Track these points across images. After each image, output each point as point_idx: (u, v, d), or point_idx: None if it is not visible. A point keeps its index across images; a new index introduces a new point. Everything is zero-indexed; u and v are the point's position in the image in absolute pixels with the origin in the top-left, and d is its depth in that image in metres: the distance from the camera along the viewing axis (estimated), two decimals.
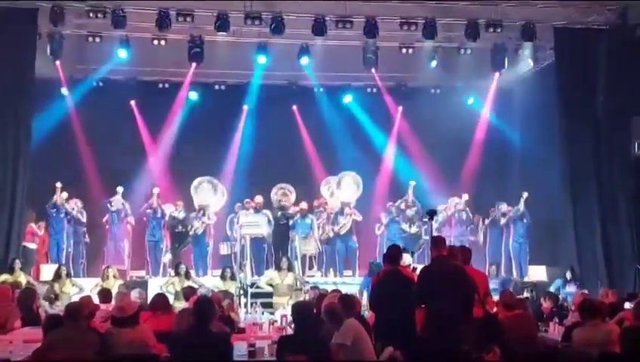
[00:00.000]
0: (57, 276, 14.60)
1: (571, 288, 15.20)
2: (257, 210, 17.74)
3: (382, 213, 19.17)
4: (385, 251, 9.84)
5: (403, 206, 18.74)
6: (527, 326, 9.56)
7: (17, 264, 14.61)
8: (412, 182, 18.95)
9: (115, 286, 13.86)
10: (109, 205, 17.78)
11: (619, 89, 16.09)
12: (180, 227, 17.57)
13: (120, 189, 17.87)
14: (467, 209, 18.83)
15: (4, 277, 14.06)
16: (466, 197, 18.82)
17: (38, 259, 17.00)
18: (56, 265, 15.50)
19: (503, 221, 18.41)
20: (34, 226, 17.24)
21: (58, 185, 17.29)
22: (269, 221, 17.72)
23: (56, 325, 7.38)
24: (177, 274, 14.96)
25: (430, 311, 8.17)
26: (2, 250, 15.30)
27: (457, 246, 11.10)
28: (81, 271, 17.34)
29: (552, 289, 15.16)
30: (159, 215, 17.81)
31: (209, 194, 18.88)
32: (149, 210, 17.90)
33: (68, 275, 14.78)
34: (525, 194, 17.91)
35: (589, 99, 16.55)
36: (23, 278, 14.25)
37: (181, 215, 17.63)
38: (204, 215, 17.86)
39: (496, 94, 20.22)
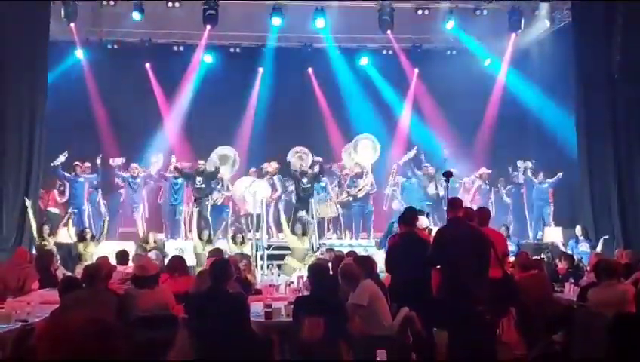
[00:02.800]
0: (82, 238, 14.61)
1: (584, 247, 15.13)
2: (271, 176, 17.84)
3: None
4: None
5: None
6: (543, 286, 9.61)
7: (45, 229, 14.76)
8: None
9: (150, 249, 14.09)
10: (128, 177, 17.86)
11: (636, 49, 15.89)
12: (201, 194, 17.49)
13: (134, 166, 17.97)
14: (485, 181, 18.78)
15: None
16: (484, 170, 18.82)
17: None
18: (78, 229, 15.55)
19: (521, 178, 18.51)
20: (56, 193, 17.35)
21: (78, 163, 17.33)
22: (274, 186, 17.83)
23: (72, 287, 7.44)
24: (200, 239, 14.97)
25: (444, 273, 8.20)
26: (19, 211, 15.42)
27: (475, 207, 11.08)
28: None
29: (567, 250, 15.10)
30: (179, 181, 17.74)
31: (229, 164, 18.87)
32: (166, 177, 17.91)
33: (92, 238, 14.77)
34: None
35: (605, 60, 16.32)
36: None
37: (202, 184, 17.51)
38: (222, 185, 17.86)
39: (513, 55, 20.10)
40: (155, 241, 15.10)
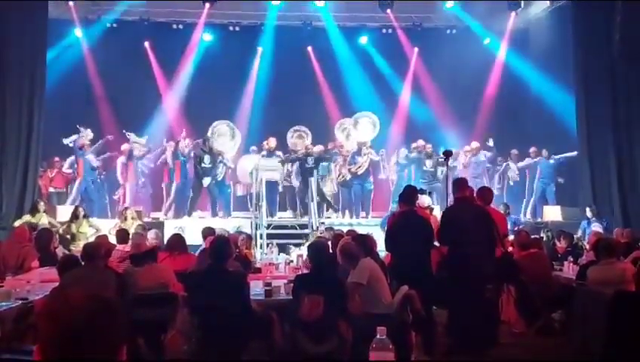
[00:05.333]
0: (75, 216, 14.40)
1: (596, 228, 14.84)
2: (271, 153, 17.75)
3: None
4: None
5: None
6: (542, 264, 9.65)
7: (41, 206, 14.67)
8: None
9: (133, 227, 13.80)
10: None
11: (635, 28, 15.82)
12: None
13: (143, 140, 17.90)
14: (484, 153, 18.71)
15: (26, 218, 14.12)
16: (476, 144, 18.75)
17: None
18: (73, 206, 15.48)
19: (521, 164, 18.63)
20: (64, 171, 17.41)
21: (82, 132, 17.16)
22: (282, 164, 17.76)
23: (71, 265, 7.43)
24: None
25: (453, 251, 8.24)
26: (19, 190, 15.42)
27: (480, 187, 11.08)
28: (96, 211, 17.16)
29: (579, 231, 15.07)
30: (189, 157, 17.65)
31: (227, 139, 18.80)
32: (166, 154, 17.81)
33: (85, 216, 14.59)
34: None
35: (605, 39, 16.26)
36: (45, 219, 14.25)
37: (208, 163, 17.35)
38: (223, 159, 17.80)
39: (513, 34, 20.05)
40: (132, 218, 14.82)
